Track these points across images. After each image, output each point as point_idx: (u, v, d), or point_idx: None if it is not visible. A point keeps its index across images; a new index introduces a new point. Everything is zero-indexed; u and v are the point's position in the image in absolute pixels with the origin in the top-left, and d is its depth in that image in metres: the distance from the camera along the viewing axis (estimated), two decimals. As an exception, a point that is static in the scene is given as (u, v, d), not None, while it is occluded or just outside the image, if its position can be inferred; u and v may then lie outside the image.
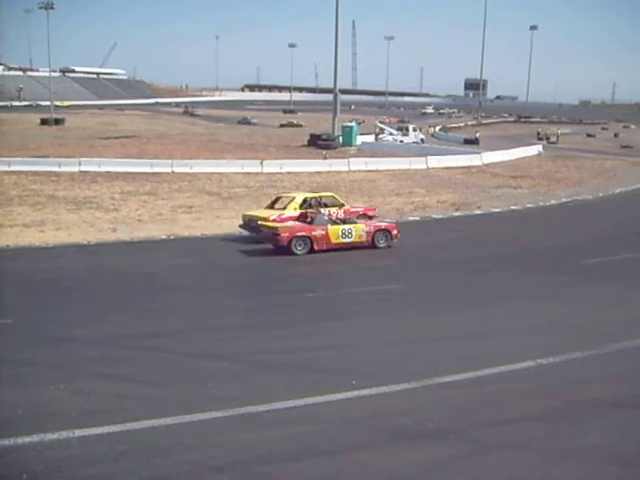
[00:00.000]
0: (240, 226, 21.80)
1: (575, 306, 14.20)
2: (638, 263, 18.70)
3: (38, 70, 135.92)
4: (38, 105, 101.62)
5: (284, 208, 21.73)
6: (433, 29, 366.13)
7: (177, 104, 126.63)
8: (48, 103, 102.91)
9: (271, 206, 22.48)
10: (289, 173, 37.86)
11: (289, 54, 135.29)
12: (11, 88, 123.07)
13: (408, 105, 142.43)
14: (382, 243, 20.04)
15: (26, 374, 10.00)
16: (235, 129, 74.72)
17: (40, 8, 77.67)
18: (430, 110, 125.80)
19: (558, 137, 72.29)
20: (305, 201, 21.96)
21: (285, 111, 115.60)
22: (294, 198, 22.23)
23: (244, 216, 22.01)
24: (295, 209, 21.39)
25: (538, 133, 73.92)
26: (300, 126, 78.16)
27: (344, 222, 19.93)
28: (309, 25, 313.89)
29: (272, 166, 38.97)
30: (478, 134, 66.83)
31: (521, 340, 11.89)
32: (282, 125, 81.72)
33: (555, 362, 10.75)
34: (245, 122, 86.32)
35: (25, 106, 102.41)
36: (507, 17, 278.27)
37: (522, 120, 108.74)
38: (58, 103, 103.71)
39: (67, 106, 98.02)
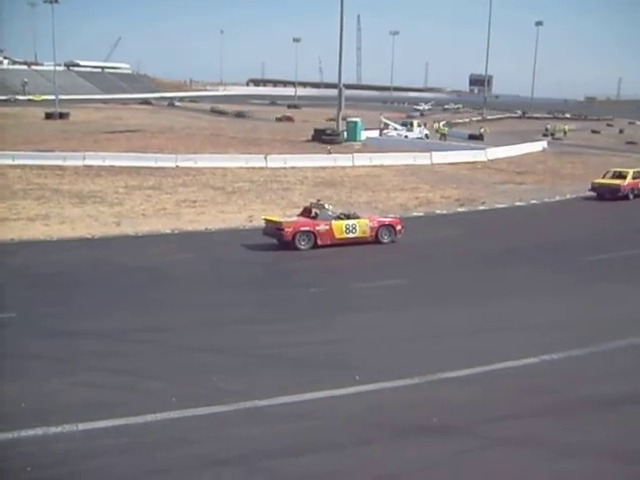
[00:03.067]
0: (589, 190, 30.54)
1: (578, 303, 14.18)
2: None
3: (43, 64, 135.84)
4: (16, 100, 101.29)
5: (624, 178, 30.41)
6: (438, 24, 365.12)
7: (181, 98, 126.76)
8: (25, 97, 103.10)
9: (603, 177, 31.49)
10: (293, 168, 37.80)
11: (294, 49, 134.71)
12: (16, 82, 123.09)
13: (412, 100, 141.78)
14: (386, 238, 20.03)
15: (30, 367, 10.03)
16: (239, 123, 74.58)
17: (45, 2, 77.50)
18: (426, 107, 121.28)
19: (566, 133, 72.02)
20: (635, 173, 30.77)
21: (289, 106, 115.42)
22: (629, 172, 30.84)
23: (594, 183, 30.74)
24: (633, 179, 30.34)
25: (546, 129, 73.58)
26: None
27: (348, 217, 19.91)
28: (314, 20, 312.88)
29: (276, 161, 38.92)
30: (483, 130, 66.63)
31: (524, 336, 11.88)
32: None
33: (558, 359, 10.76)
34: (286, 119, 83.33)
35: (3, 100, 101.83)
36: (512, 13, 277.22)
37: (527, 116, 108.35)
38: (32, 97, 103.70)
39: (41, 100, 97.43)
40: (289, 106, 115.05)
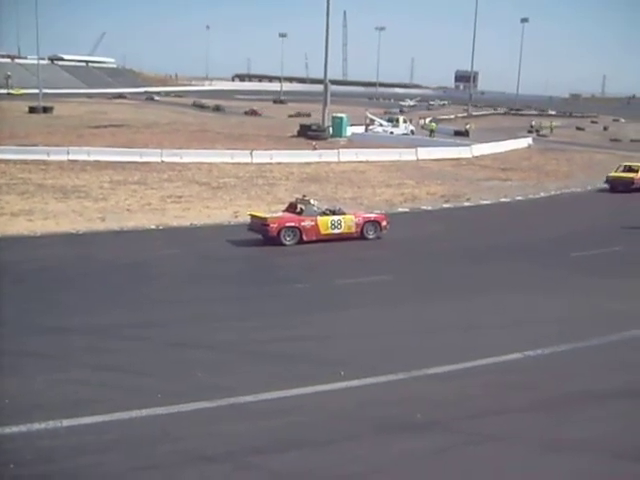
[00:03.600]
0: (604, 182, 32.58)
1: (562, 299, 14.27)
2: (625, 256, 18.84)
3: (26, 58, 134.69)
4: None
5: (635, 172, 32.17)
6: (425, 20, 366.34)
7: (167, 93, 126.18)
8: (5, 91, 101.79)
9: (616, 170, 33.46)
10: (279, 163, 37.77)
11: (280, 44, 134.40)
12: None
13: (398, 96, 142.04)
14: (371, 234, 20.07)
15: (15, 364, 9.95)
16: (224, 119, 74.34)
17: (28, -5, 76.95)
18: (411, 103, 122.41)
19: (552, 129, 72.36)
20: None
21: (275, 101, 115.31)
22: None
23: (608, 176, 32.71)
24: None
25: (531, 126, 73.89)
26: None
27: (333, 213, 19.92)
28: (300, 16, 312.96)
29: (262, 156, 38.86)
30: (468, 126, 66.80)
31: (508, 332, 11.95)
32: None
33: (543, 354, 10.84)
34: (252, 112, 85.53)
35: None
36: (499, 9, 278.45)
37: (512, 113, 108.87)
38: (12, 91, 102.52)
39: (20, 94, 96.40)
40: (275, 101, 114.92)
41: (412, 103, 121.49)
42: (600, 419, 8.61)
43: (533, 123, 76.19)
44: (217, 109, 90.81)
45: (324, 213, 19.75)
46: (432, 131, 60.15)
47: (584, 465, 7.61)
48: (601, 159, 47.32)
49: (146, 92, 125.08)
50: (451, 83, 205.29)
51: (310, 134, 51.71)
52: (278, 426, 8.25)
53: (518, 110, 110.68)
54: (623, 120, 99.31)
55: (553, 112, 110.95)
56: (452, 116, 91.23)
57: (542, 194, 30.80)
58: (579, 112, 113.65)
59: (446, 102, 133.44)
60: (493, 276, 16.35)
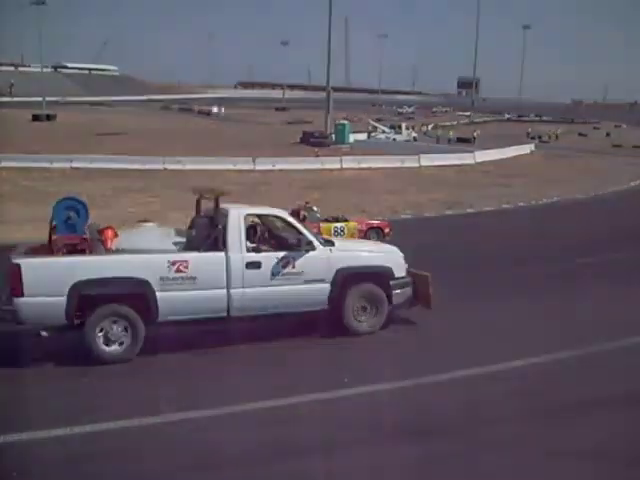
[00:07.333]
0: None
1: (566, 305, 14.21)
2: (628, 263, 18.74)
3: (29, 66, 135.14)
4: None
5: None
6: (427, 28, 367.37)
7: (168, 101, 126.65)
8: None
9: None
10: (282, 171, 37.83)
11: (282, 52, 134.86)
12: (2, 84, 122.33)
13: (400, 103, 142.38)
14: (374, 241, 20.03)
15: (16, 372, 9.93)
16: (227, 126, 74.39)
17: (32, 4, 77.15)
18: (409, 109, 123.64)
19: (557, 136, 72.29)
20: None
21: (277, 108, 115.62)
22: None
23: None
24: None
25: (528, 133, 73.83)
26: None
27: (336, 220, 19.90)
28: (302, 23, 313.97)
29: (265, 164, 38.92)
30: (476, 133, 66.71)
31: (512, 339, 11.88)
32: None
33: (546, 361, 10.78)
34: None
35: None
36: (501, 16, 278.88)
37: (515, 119, 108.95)
38: None
39: None
40: (277, 109, 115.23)
41: (410, 110, 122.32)
42: (605, 426, 8.55)
43: (529, 130, 75.93)
44: (185, 109, 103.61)
45: (327, 220, 19.72)
46: (447, 139, 60.54)
47: (588, 472, 7.56)
48: (603, 165, 47.34)
49: (150, 101, 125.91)
50: (454, 89, 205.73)
51: (313, 141, 51.81)
52: (281, 434, 8.19)
53: (520, 117, 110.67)
54: (625, 126, 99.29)
55: (550, 118, 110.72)
56: (454, 122, 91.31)
57: (545, 200, 30.79)
58: (581, 118, 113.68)
59: (448, 109, 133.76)
60: (495, 284, 16.27)
